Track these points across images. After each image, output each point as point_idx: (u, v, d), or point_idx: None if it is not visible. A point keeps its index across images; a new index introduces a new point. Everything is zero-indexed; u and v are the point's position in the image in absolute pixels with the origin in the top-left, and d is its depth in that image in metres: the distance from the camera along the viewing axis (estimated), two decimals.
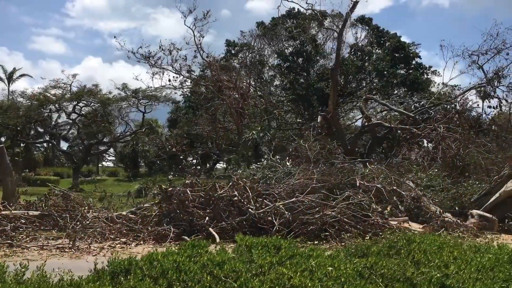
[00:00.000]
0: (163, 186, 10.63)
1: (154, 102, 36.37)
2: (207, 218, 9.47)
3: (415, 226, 10.61)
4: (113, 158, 60.78)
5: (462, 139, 19.28)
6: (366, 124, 22.32)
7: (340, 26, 23.70)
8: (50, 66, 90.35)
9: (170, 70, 23.42)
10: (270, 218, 9.24)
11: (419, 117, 22.43)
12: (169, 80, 25.99)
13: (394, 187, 11.71)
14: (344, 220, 9.75)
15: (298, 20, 33.01)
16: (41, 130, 41.30)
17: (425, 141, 21.56)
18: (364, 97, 24.36)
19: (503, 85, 21.31)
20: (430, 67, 31.64)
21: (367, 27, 34.42)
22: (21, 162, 43.33)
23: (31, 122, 36.88)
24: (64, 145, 51.94)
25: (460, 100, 21.77)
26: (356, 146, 22.98)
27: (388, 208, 11.19)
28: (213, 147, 25.47)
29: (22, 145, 43.72)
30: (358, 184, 12.00)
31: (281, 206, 9.42)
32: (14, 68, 60.08)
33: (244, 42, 33.08)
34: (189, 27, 25.09)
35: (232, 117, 26.04)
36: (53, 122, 40.73)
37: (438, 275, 5.14)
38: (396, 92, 29.41)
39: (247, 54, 31.60)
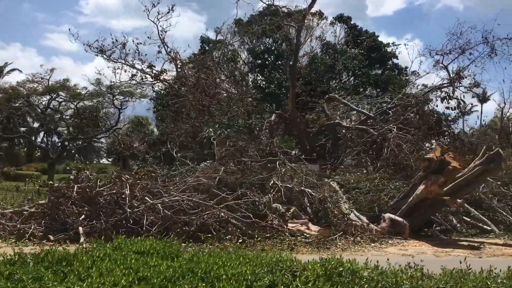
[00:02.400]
0: (50, 182, 10.22)
1: (130, 99, 36.13)
2: (82, 216, 9.06)
3: (314, 229, 10.13)
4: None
5: (415, 140, 18.76)
6: (324, 123, 21.78)
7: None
8: (63, 63, 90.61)
9: (126, 64, 22.87)
10: (145, 217, 8.79)
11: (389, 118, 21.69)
12: (132, 76, 25.54)
13: (302, 188, 11.20)
14: (231, 222, 9.30)
15: (275, 17, 32.46)
16: (34, 125, 40.94)
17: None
18: (327, 96, 23.80)
19: (462, 86, 20.60)
20: (406, 67, 30.99)
21: (345, 26, 33.86)
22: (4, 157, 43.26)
23: (9, 116, 36.77)
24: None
25: (420, 100, 21.06)
26: (314, 146, 22.44)
27: (291, 210, 10.73)
28: (173, 146, 25.01)
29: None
30: (271, 184, 11.59)
31: (158, 204, 8.96)
32: (6, 63, 60.02)
33: (220, 38, 32.60)
34: (152, 21, 24.60)
35: (196, 114, 25.60)
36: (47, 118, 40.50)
37: None
38: (367, 92, 28.71)
39: (218, 50, 31.11)
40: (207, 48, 32.63)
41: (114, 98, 36.04)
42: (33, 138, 40.60)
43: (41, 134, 43.91)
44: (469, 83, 20.38)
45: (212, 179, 10.54)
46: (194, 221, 8.68)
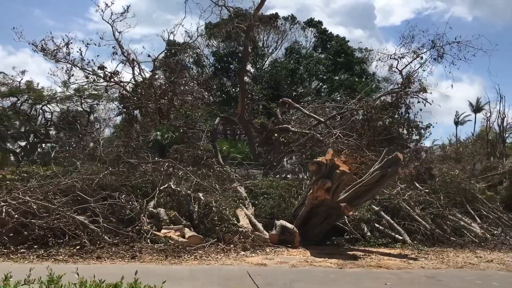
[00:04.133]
0: None
1: (99, 102, 35.59)
2: None
3: (189, 235, 9.50)
4: None
5: (358, 145, 18.17)
6: (271, 128, 21.20)
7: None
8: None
9: (72, 65, 22.31)
10: None
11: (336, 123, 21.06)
12: (86, 77, 25.07)
13: (189, 192, 10.58)
14: (89, 227, 8.67)
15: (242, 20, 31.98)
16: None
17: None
18: (280, 100, 23.23)
19: (410, 90, 19.93)
20: (374, 73, 30.38)
21: (315, 31, 33.36)
22: None
23: None
24: None
25: (370, 106, 20.39)
26: (261, 150, 21.85)
27: (171, 214, 10.10)
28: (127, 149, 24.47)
29: None
30: (163, 188, 10.99)
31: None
32: None
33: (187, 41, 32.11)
34: (107, 22, 24.14)
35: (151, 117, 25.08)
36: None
37: None
38: (334, 96, 28.06)
39: (184, 53, 30.60)
40: (173, 51, 32.19)
41: (83, 101, 35.50)
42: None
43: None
44: (416, 87, 19.75)
45: (89, 181, 9.93)
46: (35, 225, 8.06)
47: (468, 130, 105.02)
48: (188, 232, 9.60)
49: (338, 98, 28.86)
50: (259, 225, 10.88)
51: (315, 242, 10.79)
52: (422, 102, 18.92)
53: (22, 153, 33.26)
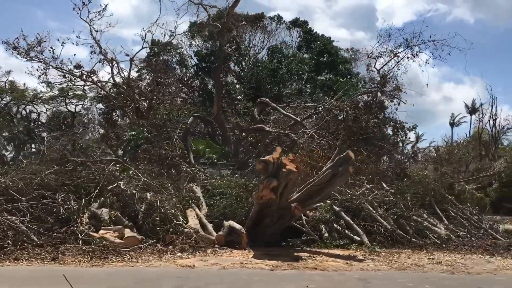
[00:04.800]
0: None
1: (84, 102, 35.29)
2: None
3: (127, 236, 9.18)
4: None
5: (331, 145, 17.87)
6: (246, 128, 20.89)
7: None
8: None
9: (45, 63, 21.99)
10: None
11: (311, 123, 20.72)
12: (64, 76, 24.79)
13: (135, 191, 10.27)
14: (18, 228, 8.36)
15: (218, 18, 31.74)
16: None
17: None
18: (258, 100, 22.90)
19: (385, 90, 19.63)
20: (358, 73, 30.09)
21: (300, 30, 33.06)
22: None
23: None
24: None
25: (345, 105, 20.07)
26: (238, 150, 21.53)
27: (112, 214, 9.79)
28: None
29: None
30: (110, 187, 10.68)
31: None
32: None
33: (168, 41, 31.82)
34: (85, 20, 23.89)
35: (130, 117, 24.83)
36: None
37: None
38: (315, 96, 27.65)
39: (168, 53, 30.35)
40: (156, 50, 31.90)
41: (69, 102, 35.18)
42: None
43: None
44: (393, 87, 19.45)
45: (29, 180, 9.63)
46: None
47: (464, 131, 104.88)
48: (128, 233, 9.28)
49: (318, 98, 28.61)
50: (209, 226, 10.57)
51: (268, 243, 10.48)
52: (404, 102, 18.58)
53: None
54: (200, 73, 30.18)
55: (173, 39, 25.92)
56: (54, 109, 36.46)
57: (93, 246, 8.16)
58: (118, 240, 8.80)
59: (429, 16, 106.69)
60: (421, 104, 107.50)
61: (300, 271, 7.58)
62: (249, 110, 22.19)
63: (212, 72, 21.92)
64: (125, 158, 18.59)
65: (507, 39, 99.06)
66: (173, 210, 9.95)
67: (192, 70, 30.80)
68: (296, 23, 32.96)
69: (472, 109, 65.92)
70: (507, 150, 39.85)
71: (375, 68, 21.41)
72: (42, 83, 24.16)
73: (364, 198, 13.13)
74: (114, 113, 25.79)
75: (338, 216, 12.31)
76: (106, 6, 24.36)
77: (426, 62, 19.45)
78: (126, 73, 25.38)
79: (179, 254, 8.59)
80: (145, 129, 21.01)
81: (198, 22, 30.01)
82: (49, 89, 33.07)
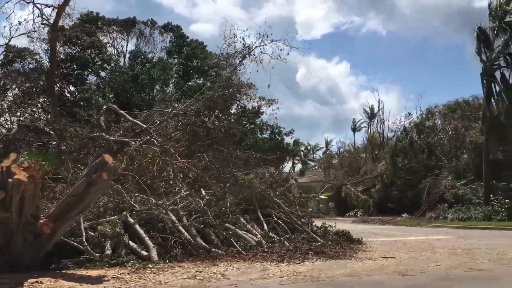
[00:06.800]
0: None
1: None
2: None
3: None
4: None
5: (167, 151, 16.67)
6: (86, 136, 19.05)
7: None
8: None
9: None
10: None
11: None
12: None
13: None
14: None
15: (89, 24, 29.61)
16: None
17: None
18: (105, 107, 21.24)
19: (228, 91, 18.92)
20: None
21: (172, 35, 31.82)
22: None
23: None
24: None
25: (191, 109, 19.03)
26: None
27: None
28: None
29: None
30: None
31: None
32: None
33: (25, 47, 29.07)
34: None
35: None
36: None
37: None
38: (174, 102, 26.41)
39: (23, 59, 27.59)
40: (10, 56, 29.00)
41: None
42: None
43: None
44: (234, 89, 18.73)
45: None
46: None
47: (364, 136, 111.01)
48: None
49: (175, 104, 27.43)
50: None
51: (28, 267, 8.86)
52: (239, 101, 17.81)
53: None
54: (57, 79, 27.69)
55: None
56: None
57: None
58: None
59: (344, 28, 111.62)
60: (342, 112, 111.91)
61: None
62: (94, 118, 20.31)
63: (46, 76, 19.81)
64: None
65: (417, 49, 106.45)
66: None
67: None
68: (168, 27, 31.71)
69: (371, 114, 69.16)
70: (387, 152, 41.31)
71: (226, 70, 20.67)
72: None
73: (169, 207, 11.98)
74: None
75: (132, 230, 11.04)
76: None
77: (259, 62, 19.05)
78: None
79: None
80: None
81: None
82: None
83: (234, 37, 19.59)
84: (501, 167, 26.87)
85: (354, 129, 79.92)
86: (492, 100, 26.87)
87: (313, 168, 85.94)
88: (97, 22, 31.19)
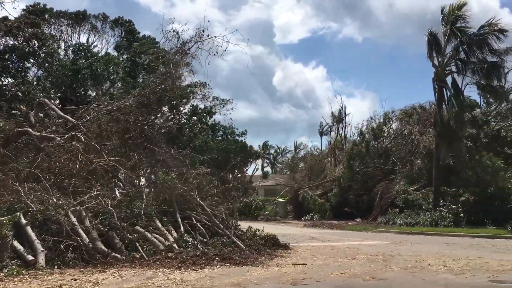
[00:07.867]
0: None
1: None
2: None
3: None
4: None
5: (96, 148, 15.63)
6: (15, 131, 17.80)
7: None
8: None
9: None
10: None
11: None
12: None
13: None
14: None
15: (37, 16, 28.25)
16: None
17: None
18: (36, 101, 20.00)
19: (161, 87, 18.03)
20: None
21: (122, 30, 30.71)
22: None
23: None
24: None
25: (125, 105, 17.98)
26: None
27: None
28: None
29: None
30: None
31: None
32: None
33: None
34: None
35: None
36: None
37: None
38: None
39: None
40: None
41: None
42: None
43: None
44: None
45: None
46: None
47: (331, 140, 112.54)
48: None
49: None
50: None
51: None
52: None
53: None
54: None
55: None
56: None
57: None
58: None
59: (321, 33, 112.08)
60: (317, 116, 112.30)
61: None
62: (22, 113, 19.09)
63: None
64: None
65: (390, 56, 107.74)
66: None
67: None
68: (118, 22, 30.59)
69: (338, 119, 69.30)
70: (344, 156, 41.04)
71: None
72: None
73: (71, 208, 11.02)
74: None
75: (24, 232, 10.07)
76: None
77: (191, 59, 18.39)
78: None
79: None
80: None
81: None
82: None
83: (173, 31, 18.71)
84: (451, 173, 26.75)
85: (322, 133, 80.00)
86: (444, 106, 26.71)
87: (284, 170, 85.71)
88: (44, 13, 29.85)
